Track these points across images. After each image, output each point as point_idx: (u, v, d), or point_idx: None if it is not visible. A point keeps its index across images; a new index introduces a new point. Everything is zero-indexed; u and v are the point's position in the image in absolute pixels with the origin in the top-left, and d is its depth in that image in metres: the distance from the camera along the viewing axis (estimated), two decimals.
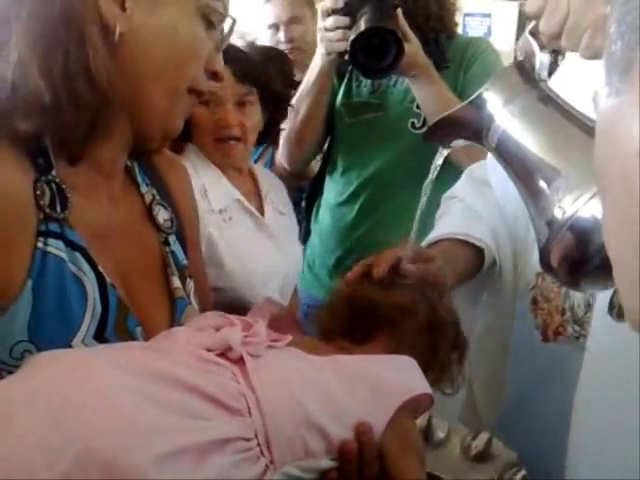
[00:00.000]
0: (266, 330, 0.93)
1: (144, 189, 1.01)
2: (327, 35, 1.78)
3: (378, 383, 0.91)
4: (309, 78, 1.92)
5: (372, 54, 1.69)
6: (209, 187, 1.63)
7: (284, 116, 1.84)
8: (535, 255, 1.00)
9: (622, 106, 0.46)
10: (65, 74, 0.82)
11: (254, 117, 1.70)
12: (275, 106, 1.76)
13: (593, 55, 0.88)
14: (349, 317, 1.05)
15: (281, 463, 0.83)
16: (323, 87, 1.92)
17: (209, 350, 0.86)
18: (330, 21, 1.76)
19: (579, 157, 0.84)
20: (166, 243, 1.01)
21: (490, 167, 1.33)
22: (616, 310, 0.80)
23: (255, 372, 0.85)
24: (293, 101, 1.90)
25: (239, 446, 0.80)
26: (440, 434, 1.13)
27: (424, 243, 1.30)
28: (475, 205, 1.35)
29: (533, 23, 0.93)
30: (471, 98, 0.94)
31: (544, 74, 0.94)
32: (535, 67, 0.94)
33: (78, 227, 0.88)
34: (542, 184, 0.86)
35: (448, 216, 1.37)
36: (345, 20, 1.74)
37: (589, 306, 1.09)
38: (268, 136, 1.82)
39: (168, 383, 0.79)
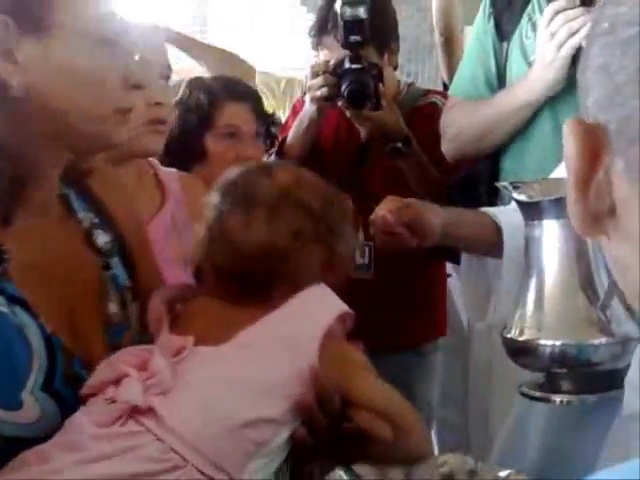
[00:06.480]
0: (164, 357, 0.88)
1: (82, 215, 0.99)
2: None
3: (291, 335, 0.89)
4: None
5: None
6: None
7: None
8: None
9: None
10: None
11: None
12: None
13: None
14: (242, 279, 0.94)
15: (241, 472, 0.84)
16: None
17: (120, 417, 0.84)
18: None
19: None
20: (106, 267, 1.00)
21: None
22: None
23: (170, 415, 0.84)
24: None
25: None
26: None
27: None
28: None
29: None
30: None
31: None
32: None
33: (16, 277, 0.88)
34: None
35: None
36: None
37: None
38: None
39: None
